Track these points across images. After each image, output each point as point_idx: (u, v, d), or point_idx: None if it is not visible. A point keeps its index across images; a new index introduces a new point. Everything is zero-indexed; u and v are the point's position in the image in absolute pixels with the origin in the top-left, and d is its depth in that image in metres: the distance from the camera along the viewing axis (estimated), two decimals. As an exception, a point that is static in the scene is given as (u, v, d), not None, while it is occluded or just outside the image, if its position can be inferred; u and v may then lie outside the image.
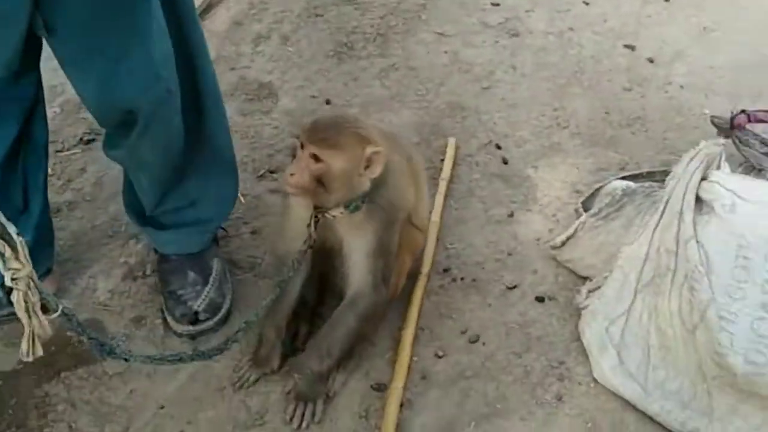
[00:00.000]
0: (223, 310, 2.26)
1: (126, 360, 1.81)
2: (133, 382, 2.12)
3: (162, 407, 2.07)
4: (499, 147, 2.88)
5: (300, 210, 2.04)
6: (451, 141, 2.85)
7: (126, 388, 2.11)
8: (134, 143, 2.02)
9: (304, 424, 2.03)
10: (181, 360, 1.88)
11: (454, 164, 2.77)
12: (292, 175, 1.90)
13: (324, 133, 1.91)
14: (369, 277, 2.05)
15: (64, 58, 1.90)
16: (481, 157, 2.84)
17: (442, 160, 2.78)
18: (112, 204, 2.56)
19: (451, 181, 2.70)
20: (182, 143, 2.13)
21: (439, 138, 2.89)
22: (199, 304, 2.23)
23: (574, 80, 3.27)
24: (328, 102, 3.02)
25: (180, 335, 2.21)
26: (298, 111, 2.97)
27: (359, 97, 3.06)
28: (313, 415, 2.05)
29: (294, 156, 1.95)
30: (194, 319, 2.22)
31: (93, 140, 2.79)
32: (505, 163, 2.82)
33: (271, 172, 2.72)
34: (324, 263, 2.17)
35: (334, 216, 1.99)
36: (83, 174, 2.66)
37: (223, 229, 2.47)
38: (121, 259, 2.43)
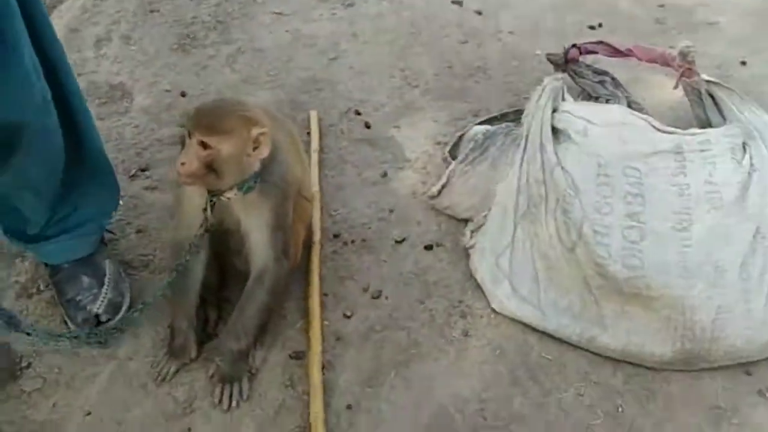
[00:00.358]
0: (123, 308, 2.26)
1: (28, 334, 1.91)
2: (54, 395, 2.09)
3: (88, 413, 2.05)
4: (358, 113, 2.98)
5: (194, 196, 2.07)
6: (313, 114, 2.93)
7: (48, 402, 2.07)
8: (20, 162, 1.98)
9: (234, 404, 2.08)
10: (78, 338, 2.01)
11: (321, 135, 2.86)
12: (182, 164, 1.92)
13: (210, 119, 1.94)
14: (271, 252, 2.11)
15: None
16: (344, 125, 2.94)
17: (308, 133, 2.86)
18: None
19: (321, 151, 2.78)
20: (64, 154, 2.11)
21: (299, 112, 2.96)
22: (98, 306, 2.22)
23: (413, 40, 3.42)
24: (183, 94, 3.02)
25: (89, 344, 2.20)
26: (154, 107, 2.96)
27: (213, 84, 3.08)
28: (241, 393, 2.10)
29: (182, 144, 1.97)
30: (96, 322, 2.21)
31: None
32: (368, 127, 2.93)
33: (143, 170, 2.71)
34: (222, 246, 2.21)
35: (228, 198, 2.04)
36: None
37: (110, 231, 2.45)
38: (11, 279, 2.37)
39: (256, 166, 2.01)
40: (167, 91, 3.03)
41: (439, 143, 2.85)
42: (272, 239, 2.10)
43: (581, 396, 2.11)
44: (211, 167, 1.94)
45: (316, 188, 2.60)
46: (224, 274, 2.31)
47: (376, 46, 3.36)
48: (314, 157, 2.73)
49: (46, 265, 2.33)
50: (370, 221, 2.58)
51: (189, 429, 2.03)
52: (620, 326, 2.18)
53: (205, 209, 2.05)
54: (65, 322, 2.25)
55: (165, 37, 3.37)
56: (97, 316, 2.21)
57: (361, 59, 3.28)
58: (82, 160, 2.19)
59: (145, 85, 3.06)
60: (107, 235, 2.44)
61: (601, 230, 2.19)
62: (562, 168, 2.28)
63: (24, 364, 2.17)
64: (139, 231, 2.52)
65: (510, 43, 3.43)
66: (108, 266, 2.32)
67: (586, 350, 2.20)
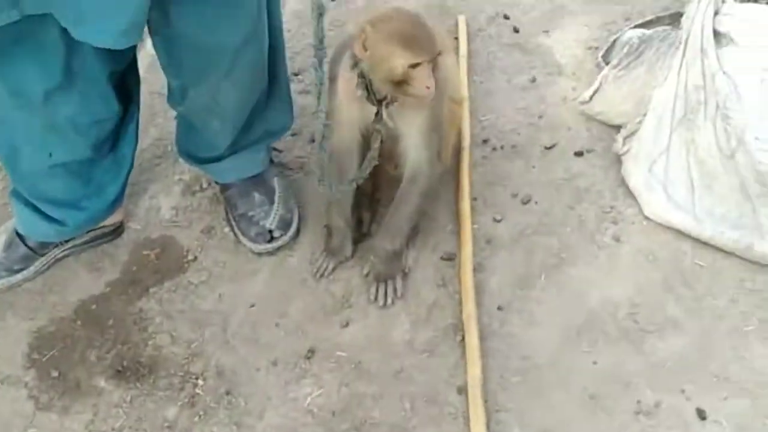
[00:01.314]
0: (294, 224, 2.35)
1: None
2: (219, 287, 2.23)
3: (252, 305, 2.19)
4: (507, 17, 2.94)
5: (351, 106, 2.08)
6: (461, 18, 2.91)
7: (214, 294, 2.22)
8: (223, 87, 2.05)
9: (389, 301, 2.17)
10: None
11: (469, 40, 2.84)
12: (428, 87, 1.91)
13: (432, 45, 1.92)
14: (425, 153, 2.14)
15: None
16: (492, 29, 2.91)
17: (456, 38, 2.84)
18: (151, 127, 2.61)
19: (469, 56, 2.77)
20: (265, 81, 2.18)
21: (447, 18, 2.94)
22: (271, 222, 2.31)
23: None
24: (332, -1, 3.05)
25: (259, 254, 2.30)
26: (306, 11, 2.99)
27: (361, -9, 3.09)
28: (395, 291, 2.18)
29: (415, 69, 1.91)
30: (270, 237, 2.30)
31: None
32: (517, 31, 2.89)
33: (295, 74, 2.77)
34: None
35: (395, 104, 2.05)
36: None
37: (277, 150, 2.54)
38: (176, 177, 2.50)
39: None
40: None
41: (590, 48, 2.79)
42: (427, 141, 2.13)
43: (735, 302, 2.10)
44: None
45: (465, 93, 2.60)
46: (376, 178, 2.37)
47: (524, -51, 3.27)
48: (462, 62, 2.72)
49: (217, 182, 2.43)
50: (519, 127, 2.58)
51: (347, 323, 2.14)
52: (779, 234, 2.14)
53: (378, 116, 2.05)
54: (232, 229, 2.36)
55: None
56: (270, 231, 2.31)
57: (510, -40, 3.21)
58: (272, 85, 2.24)
59: (293, -10, 3.10)
60: (275, 154, 2.52)
61: (763, 137, 2.13)
62: (724, 73, 2.21)
63: (191, 257, 2.31)
64: (293, 134, 2.59)
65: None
66: (277, 183, 2.40)
67: (742, 258, 2.18)
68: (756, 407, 1.91)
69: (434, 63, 1.92)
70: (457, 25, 2.90)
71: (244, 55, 2.00)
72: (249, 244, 2.31)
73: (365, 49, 1.92)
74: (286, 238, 2.31)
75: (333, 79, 2.07)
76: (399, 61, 1.88)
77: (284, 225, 2.33)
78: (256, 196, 2.35)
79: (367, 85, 1.99)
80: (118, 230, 2.35)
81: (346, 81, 2.03)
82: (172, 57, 2.02)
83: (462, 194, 2.36)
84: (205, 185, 2.47)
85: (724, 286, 2.14)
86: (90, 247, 2.32)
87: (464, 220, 2.30)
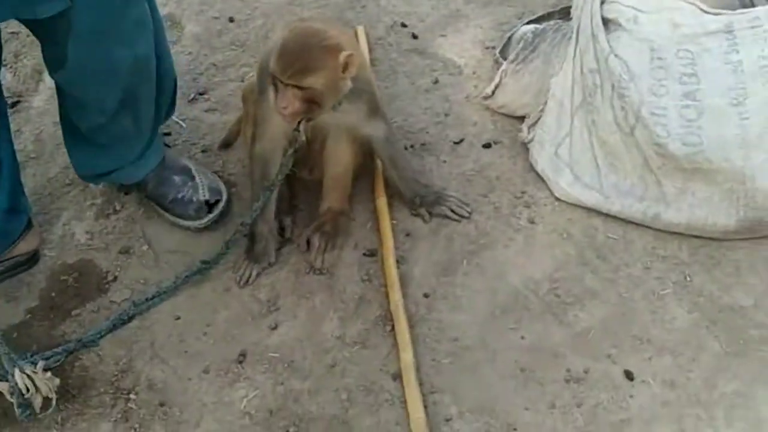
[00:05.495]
0: (223, 190, 2.41)
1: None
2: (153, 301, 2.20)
3: (178, 318, 2.17)
4: (404, 25, 3.02)
5: (276, 117, 2.09)
6: (360, 29, 2.97)
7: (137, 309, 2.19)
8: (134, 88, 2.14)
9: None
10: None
11: (370, 49, 2.90)
12: (284, 107, 1.98)
13: (297, 62, 1.95)
14: (382, 124, 2.27)
15: None
16: (391, 38, 2.98)
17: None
18: (59, 155, 2.57)
19: (372, 64, 2.83)
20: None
21: (347, 29, 3.00)
22: (203, 194, 2.36)
23: (452, -51, 3.43)
24: (231, 20, 3.06)
25: (199, 229, 2.36)
26: (204, 34, 3.02)
27: (259, 8, 3.12)
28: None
29: (274, 87, 2.01)
30: (208, 208, 2.35)
31: (18, 102, 2.77)
32: (415, 38, 2.97)
33: (201, 94, 2.78)
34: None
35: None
36: (21, 135, 2.65)
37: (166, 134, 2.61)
38: (87, 202, 2.46)
39: (349, 84, 2.08)
40: (216, 18, 3.08)
41: (487, 48, 2.89)
42: (380, 117, 2.25)
43: (649, 269, 2.19)
44: (311, 101, 2.01)
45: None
46: (294, 185, 2.40)
47: (415, -39, 3.38)
48: (366, 70, 2.79)
49: (128, 187, 2.44)
50: (426, 126, 2.64)
51: (276, 325, 2.14)
52: (683, 201, 2.24)
53: (296, 130, 2.12)
54: (173, 223, 2.38)
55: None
56: (206, 202, 2.35)
57: (401, -26, 3.30)
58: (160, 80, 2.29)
59: (193, 13, 3.10)
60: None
61: (659, 111, 2.23)
62: (616, 55, 2.31)
63: (110, 278, 2.28)
64: (204, 151, 2.60)
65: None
66: (186, 161, 2.46)
67: (651, 228, 2.28)
68: (679, 364, 2.00)
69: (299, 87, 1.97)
70: (356, 35, 2.96)
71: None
72: (191, 222, 2.35)
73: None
74: (222, 203, 2.38)
75: (262, 91, 2.12)
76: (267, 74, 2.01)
77: (216, 192, 2.38)
78: (176, 178, 2.38)
79: None
80: (33, 258, 2.30)
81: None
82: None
83: (378, 192, 2.40)
84: (118, 207, 2.45)
85: (637, 255, 2.23)
86: (6, 277, 2.26)
87: (383, 216, 2.33)
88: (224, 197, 2.39)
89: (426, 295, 2.16)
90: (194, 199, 2.35)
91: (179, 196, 2.35)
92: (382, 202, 2.37)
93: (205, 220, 2.35)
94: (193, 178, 2.38)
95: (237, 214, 2.40)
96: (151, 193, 2.39)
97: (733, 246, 2.21)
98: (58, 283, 2.25)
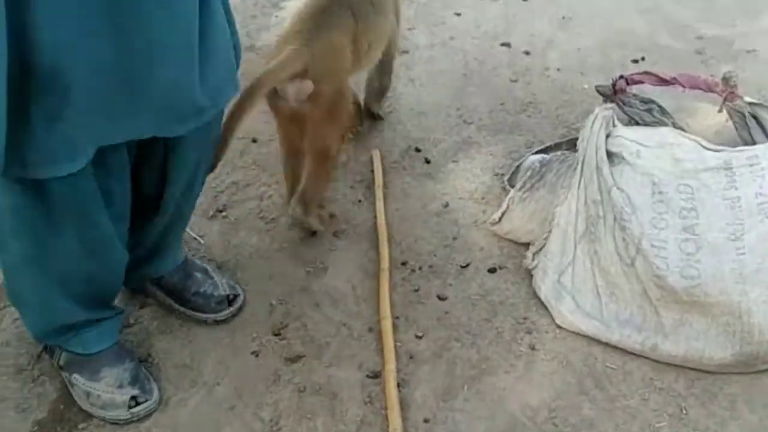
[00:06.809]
0: (239, 287, 2.53)
1: None
2: (146, 420, 2.22)
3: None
4: (418, 150, 3.15)
5: None
6: (376, 152, 3.10)
7: (139, 429, 2.22)
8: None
9: None
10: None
11: (384, 172, 3.02)
12: None
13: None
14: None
15: None
16: (405, 161, 3.10)
17: (372, 171, 3.02)
18: None
19: (385, 187, 2.94)
20: None
21: (363, 153, 3.13)
22: (223, 289, 2.48)
23: (467, 81, 3.59)
24: (254, 140, 3.22)
25: (221, 321, 2.46)
26: (228, 153, 3.13)
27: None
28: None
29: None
30: (228, 302, 2.47)
31: None
32: (428, 162, 3.09)
33: (219, 211, 2.89)
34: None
35: None
36: None
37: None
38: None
39: None
40: (240, 138, 3.23)
41: (496, 174, 3.00)
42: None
43: (646, 401, 2.20)
44: None
45: (381, 221, 2.76)
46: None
47: (432, 88, 3.53)
48: (378, 192, 2.89)
49: (149, 287, 2.52)
50: (434, 249, 2.72)
51: (277, 441, 2.17)
52: (680, 334, 2.28)
53: None
54: (191, 317, 2.47)
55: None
56: (227, 296, 2.47)
57: (419, 101, 3.45)
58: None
59: (217, 134, 3.25)
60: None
61: (659, 244, 2.30)
62: (618, 188, 2.39)
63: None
64: (219, 267, 2.68)
65: (558, 79, 3.58)
66: (201, 262, 2.58)
67: (649, 358, 2.31)
68: (674, 499, 2.00)
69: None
70: (371, 159, 3.08)
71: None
72: (212, 315, 2.45)
73: None
74: (240, 298, 2.50)
75: None
76: None
77: (233, 288, 2.50)
78: (197, 275, 2.49)
79: None
80: None
81: None
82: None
83: (383, 314, 2.46)
84: (132, 321, 2.51)
85: (635, 386, 2.25)
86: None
87: (386, 338, 2.39)
88: (240, 292, 2.51)
89: (426, 420, 2.19)
90: (215, 294, 2.46)
91: (201, 290, 2.46)
92: (387, 323, 2.43)
93: (226, 312, 2.46)
94: (211, 276, 2.51)
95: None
96: (173, 289, 2.47)
97: (729, 379, 2.23)
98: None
